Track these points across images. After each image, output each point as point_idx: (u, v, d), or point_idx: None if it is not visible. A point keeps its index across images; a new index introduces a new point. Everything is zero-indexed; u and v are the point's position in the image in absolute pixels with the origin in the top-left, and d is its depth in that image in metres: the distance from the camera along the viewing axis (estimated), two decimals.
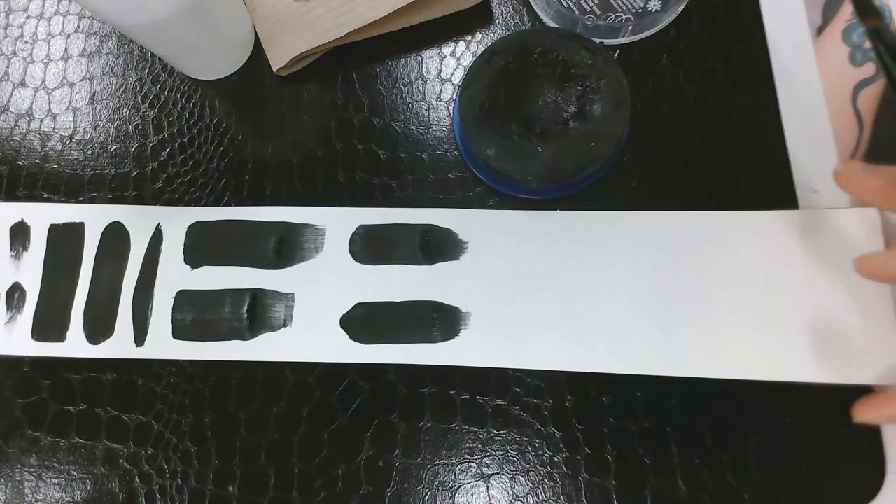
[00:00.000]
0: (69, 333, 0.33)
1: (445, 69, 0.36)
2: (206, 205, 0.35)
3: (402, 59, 0.37)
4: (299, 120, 0.36)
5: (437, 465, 0.31)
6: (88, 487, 0.31)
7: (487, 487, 0.30)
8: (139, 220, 0.34)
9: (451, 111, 0.35)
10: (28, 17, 0.39)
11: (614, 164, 0.33)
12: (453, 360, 0.31)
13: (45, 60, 0.38)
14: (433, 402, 0.31)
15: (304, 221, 0.34)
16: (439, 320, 0.32)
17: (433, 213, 0.33)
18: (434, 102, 0.36)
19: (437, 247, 0.33)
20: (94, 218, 0.35)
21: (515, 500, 0.30)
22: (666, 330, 0.31)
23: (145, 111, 0.37)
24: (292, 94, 0.36)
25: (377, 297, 0.32)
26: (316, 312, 0.33)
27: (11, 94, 0.38)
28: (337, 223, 0.34)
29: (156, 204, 0.35)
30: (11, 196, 0.36)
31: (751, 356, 0.30)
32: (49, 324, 0.33)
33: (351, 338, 0.32)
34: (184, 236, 0.34)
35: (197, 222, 0.34)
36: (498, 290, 0.32)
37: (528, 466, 0.30)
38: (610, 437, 0.30)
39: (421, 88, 0.36)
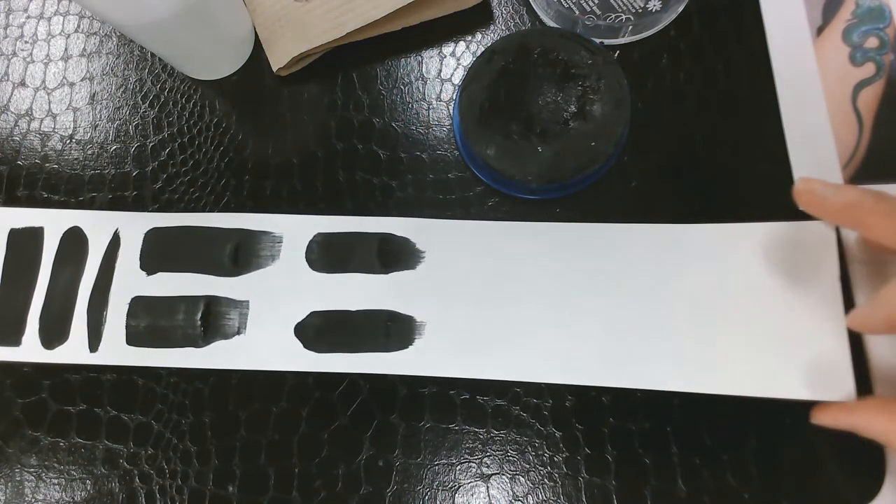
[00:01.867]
0: (25, 338, 0.33)
1: (445, 69, 0.36)
2: (205, 205, 0.35)
3: (402, 59, 0.37)
4: (299, 120, 0.36)
5: (437, 465, 0.31)
6: (88, 487, 0.31)
7: (487, 487, 0.30)
8: (98, 226, 0.34)
9: (451, 111, 0.35)
10: (28, 17, 0.39)
11: (614, 164, 0.33)
12: (407, 369, 0.31)
13: (45, 60, 0.38)
14: (433, 402, 0.31)
15: (261, 229, 0.34)
16: (394, 329, 0.32)
17: (391, 222, 0.33)
18: (434, 102, 0.36)
19: (394, 256, 0.33)
20: (53, 223, 0.35)
21: (515, 500, 0.30)
22: (620, 342, 0.30)
23: (145, 111, 0.37)
24: (292, 94, 0.36)
25: (333, 306, 0.32)
26: (270, 320, 0.32)
27: (11, 94, 0.38)
28: (294, 231, 0.34)
29: (155, 204, 0.35)
30: (11, 196, 0.36)
31: (703, 369, 0.30)
32: (5, 328, 0.33)
33: (305, 346, 0.32)
34: (141, 242, 0.34)
35: (154, 228, 0.34)
36: (454, 299, 0.32)
37: (528, 466, 0.30)
38: (610, 437, 0.30)
39: (421, 88, 0.36)
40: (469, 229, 0.33)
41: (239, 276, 0.33)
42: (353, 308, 0.32)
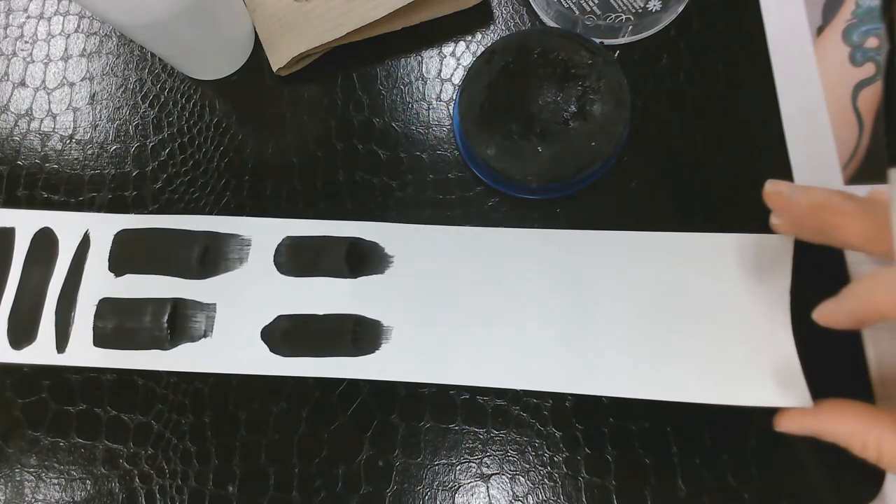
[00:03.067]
0: None
1: (445, 69, 0.36)
2: (205, 205, 0.35)
3: (402, 59, 0.37)
4: (299, 120, 0.36)
5: (437, 465, 0.31)
6: (88, 487, 0.31)
7: (487, 487, 0.30)
8: (69, 227, 0.35)
9: (451, 111, 0.35)
10: (28, 17, 0.39)
11: (614, 164, 0.33)
12: (373, 374, 0.31)
13: (45, 60, 0.38)
14: (433, 402, 0.31)
15: (230, 231, 0.34)
16: (361, 334, 0.32)
17: (360, 227, 0.33)
18: (434, 102, 0.36)
19: (362, 260, 0.33)
20: (24, 224, 0.35)
21: (515, 500, 0.30)
22: (580, 349, 0.31)
23: (145, 111, 0.37)
24: (292, 94, 0.36)
25: (300, 310, 0.32)
26: (237, 323, 0.32)
27: (11, 94, 0.38)
28: (263, 234, 0.34)
29: (155, 204, 0.35)
30: (11, 196, 0.36)
31: (660, 377, 0.30)
32: None
33: (271, 350, 0.32)
34: (110, 243, 0.34)
35: (124, 230, 0.34)
36: (421, 304, 0.32)
37: (528, 466, 0.30)
38: (610, 437, 0.30)
39: (421, 88, 0.36)
40: (437, 235, 0.33)
41: (206, 279, 0.33)
42: (321, 312, 0.32)
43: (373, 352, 0.31)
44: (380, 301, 0.32)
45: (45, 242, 0.34)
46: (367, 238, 0.33)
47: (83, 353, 0.33)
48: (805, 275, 0.30)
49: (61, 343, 0.33)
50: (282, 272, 0.33)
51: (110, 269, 0.34)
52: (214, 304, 0.33)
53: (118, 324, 0.33)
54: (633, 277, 0.31)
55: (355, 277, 0.33)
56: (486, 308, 0.32)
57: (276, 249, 0.33)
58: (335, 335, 0.32)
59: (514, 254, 0.32)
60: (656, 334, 0.31)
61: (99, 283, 0.34)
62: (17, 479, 0.32)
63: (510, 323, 0.31)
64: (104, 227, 0.34)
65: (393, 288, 0.32)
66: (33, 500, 0.32)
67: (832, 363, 0.29)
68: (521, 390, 0.31)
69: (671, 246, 0.32)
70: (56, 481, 0.32)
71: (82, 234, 0.34)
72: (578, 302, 0.31)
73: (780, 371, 0.29)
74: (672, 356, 0.30)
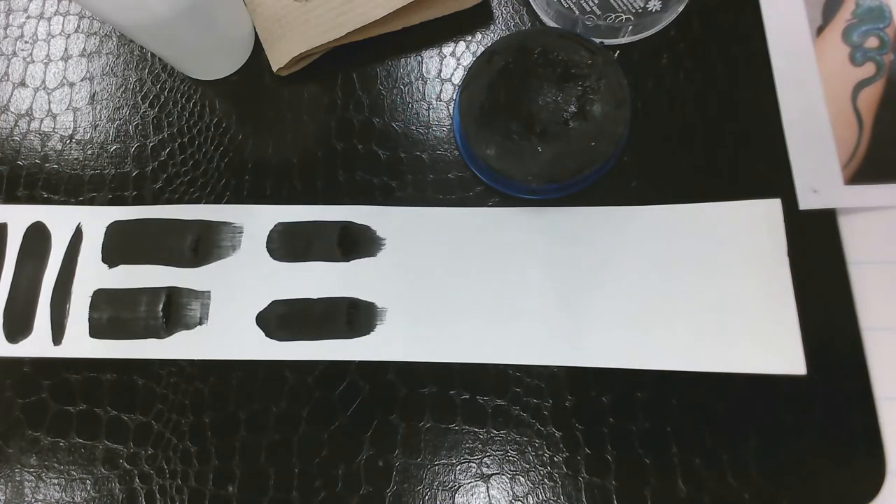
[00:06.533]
0: None
1: (445, 69, 0.36)
2: (206, 204, 0.35)
3: (402, 59, 0.37)
4: (299, 120, 0.36)
5: (437, 465, 0.31)
6: (88, 487, 0.31)
7: (487, 487, 0.30)
8: (61, 220, 0.35)
9: (451, 111, 0.35)
10: (28, 17, 0.39)
11: (614, 164, 0.33)
12: (369, 355, 0.32)
13: (45, 60, 0.38)
14: (433, 402, 0.31)
15: (222, 219, 0.34)
16: (355, 316, 0.32)
17: (352, 210, 0.34)
18: (434, 102, 0.36)
19: (354, 243, 0.33)
20: (16, 218, 0.35)
21: (515, 500, 0.30)
22: (579, 321, 0.31)
23: (145, 111, 0.37)
24: (292, 94, 0.36)
25: (294, 294, 0.33)
26: (232, 310, 0.33)
27: (11, 94, 0.38)
28: (255, 221, 0.34)
29: (156, 204, 0.35)
30: (11, 196, 0.36)
31: (655, 348, 0.30)
32: None
33: (267, 335, 0.32)
34: (103, 235, 0.34)
35: (116, 221, 0.35)
36: (414, 285, 0.32)
37: (528, 466, 0.30)
38: (610, 437, 0.30)
39: (421, 88, 0.36)
40: (428, 216, 0.33)
41: (200, 267, 0.34)
42: (315, 296, 0.33)
43: (368, 333, 0.32)
44: (373, 283, 0.33)
45: (37, 236, 0.35)
46: (359, 221, 0.33)
47: (79, 344, 0.33)
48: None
49: (57, 335, 0.33)
50: (275, 258, 0.33)
51: (104, 260, 0.34)
52: (209, 292, 0.33)
53: (114, 314, 0.33)
54: (628, 250, 0.32)
55: (348, 261, 0.33)
56: (480, 286, 0.32)
57: (269, 236, 0.34)
58: (330, 318, 0.32)
59: (506, 231, 0.33)
60: (655, 305, 0.31)
61: (93, 274, 0.34)
62: (17, 479, 0.32)
63: (505, 299, 0.32)
64: (96, 219, 0.35)
65: (386, 270, 0.33)
66: (33, 500, 0.32)
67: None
68: (521, 390, 0.31)
69: (662, 217, 0.32)
70: (56, 481, 0.32)
71: (74, 227, 0.35)
72: (574, 276, 0.32)
73: (779, 337, 0.30)
74: (671, 326, 0.31)
